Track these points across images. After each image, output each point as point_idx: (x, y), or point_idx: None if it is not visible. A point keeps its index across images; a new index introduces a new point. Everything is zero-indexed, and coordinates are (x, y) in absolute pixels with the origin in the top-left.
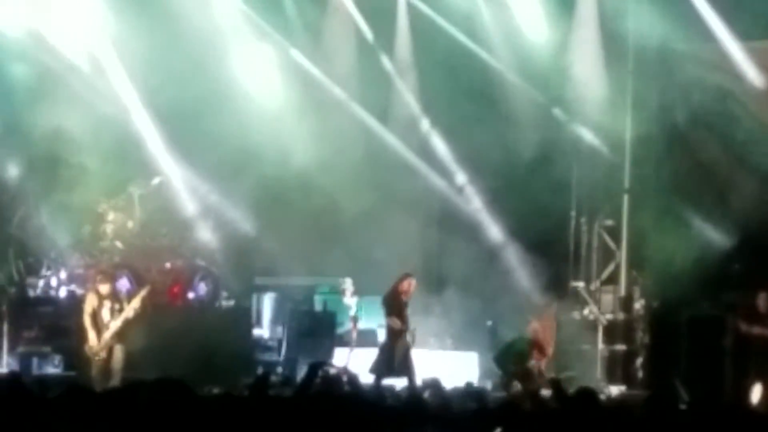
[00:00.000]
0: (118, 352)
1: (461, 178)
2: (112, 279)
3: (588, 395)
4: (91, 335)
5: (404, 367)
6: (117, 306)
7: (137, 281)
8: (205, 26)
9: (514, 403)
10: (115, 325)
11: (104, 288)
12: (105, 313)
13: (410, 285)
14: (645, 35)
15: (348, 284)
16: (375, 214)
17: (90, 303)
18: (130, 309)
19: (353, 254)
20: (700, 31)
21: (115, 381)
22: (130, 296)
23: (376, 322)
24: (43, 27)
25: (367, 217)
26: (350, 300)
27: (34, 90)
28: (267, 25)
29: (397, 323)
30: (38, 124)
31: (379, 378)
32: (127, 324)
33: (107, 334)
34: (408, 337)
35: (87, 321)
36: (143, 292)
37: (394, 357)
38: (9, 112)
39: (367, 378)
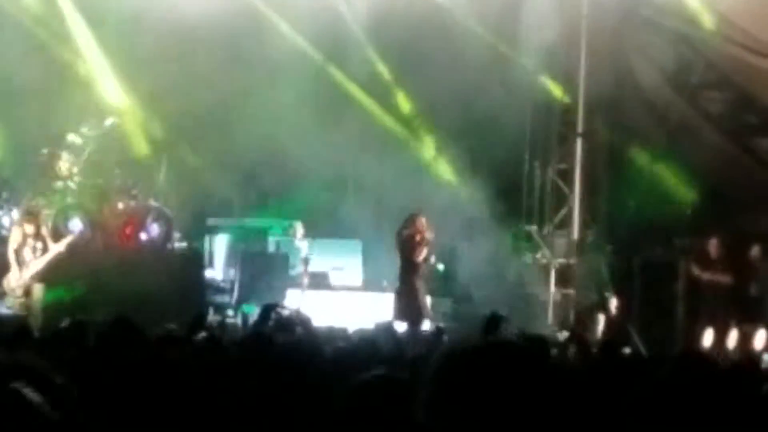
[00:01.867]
0: (38, 291)
1: (414, 119)
2: (38, 219)
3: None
4: (13, 270)
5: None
6: (40, 245)
7: (90, 222)
8: None
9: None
10: (35, 264)
11: (29, 228)
12: (27, 252)
13: (421, 222)
14: None
15: (298, 227)
16: (329, 158)
17: (14, 239)
18: (54, 251)
19: (306, 197)
20: None
21: (36, 320)
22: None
23: (329, 265)
24: None
25: (321, 161)
26: (301, 242)
27: None
28: None
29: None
30: None
31: (414, 324)
32: (50, 265)
33: (26, 273)
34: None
35: (11, 256)
36: (69, 239)
37: (417, 298)
38: None
39: (319, 320)
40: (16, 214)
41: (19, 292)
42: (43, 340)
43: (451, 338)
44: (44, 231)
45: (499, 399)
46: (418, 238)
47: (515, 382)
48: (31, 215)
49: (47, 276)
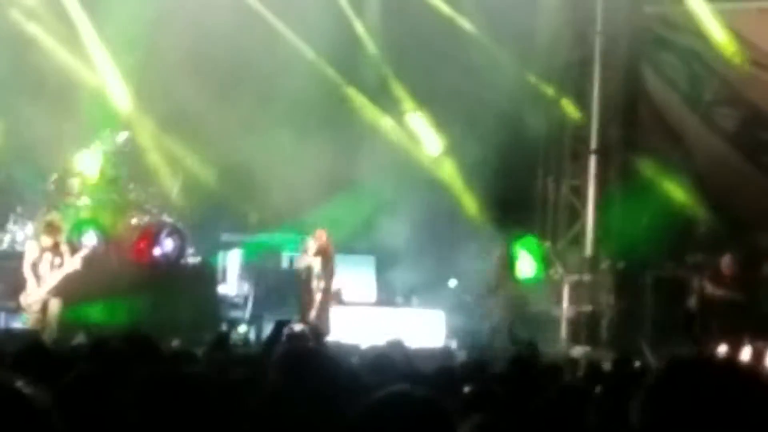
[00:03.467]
0: (54, 306)
1: (430, 138)
2: (56, 233)
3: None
4: (30, 286)
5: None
6: (57, 261)
7: (104, 237)
8: None
9: (480, 362)
10: (52, 279)
11: (46, 240)
12: (44, 267)
13: (322, 237)
14: None
15: (310, 243)
16: (343, 174)
17: (31, 254)
18: (69, 266)
19: (320, 213)
20: None
21: (51, 336)
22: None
23: (342, 280)
24: None
25: (335, 177)
26: (313, 259)
27: None
28: None
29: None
30: (3, 80)
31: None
32: (66, 280)
33: (43, 288)
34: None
35: (27, 271)
36: (84, 252)
37: (310, 310)
38: None
39: (332, 336)
40: (30, 228)
41: (36, 307)
42: (57, 356)
43: (467, 354)
44: (62, 246)
45: (723, 412)
46: (314, 251)
47: (737, 397)
48: (49, 229)
49: (63, 291)
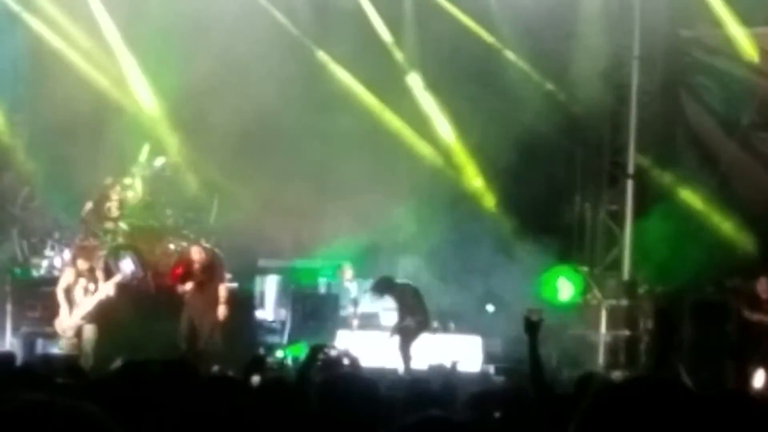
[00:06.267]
0: (89, 332)
1: (461, 158)
2: (91, 259)
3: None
4: (63, 311)
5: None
6: (92, 286)
7: (141, 262)
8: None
9: (517, 388)
10: (86, 305)
11: (82, 266)
12: (78, 292)
13: (193, 252)
14: (651, 20)
15: (347, 268)
16: (380, 198)
17: (66, 278)
18: (102, 292)
19: (355, 236)
20: (706, 17)
21: (87, 361)
22: (133, 278)
23: (379, 305)
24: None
25: (367, 199)
26: (350, 284)
27: (35, 67)
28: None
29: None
30: (41, 104)
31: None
32: (100, 306)
33: (77, 314)
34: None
35: (61, 296)
36: (117, 279)
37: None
38: (11, 90)
39: (370, 361)
40: (67, 254)
41: (71, 333)
42: (96, 381)
43: (507, 378)
44: (97, 271)
45: None
46: (192, 268)
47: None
48: (85, 255)
49: (97, 317)
